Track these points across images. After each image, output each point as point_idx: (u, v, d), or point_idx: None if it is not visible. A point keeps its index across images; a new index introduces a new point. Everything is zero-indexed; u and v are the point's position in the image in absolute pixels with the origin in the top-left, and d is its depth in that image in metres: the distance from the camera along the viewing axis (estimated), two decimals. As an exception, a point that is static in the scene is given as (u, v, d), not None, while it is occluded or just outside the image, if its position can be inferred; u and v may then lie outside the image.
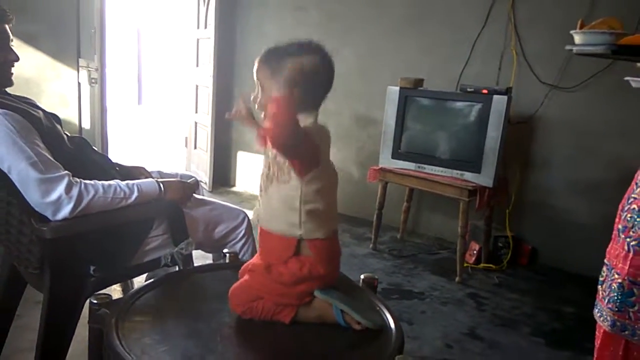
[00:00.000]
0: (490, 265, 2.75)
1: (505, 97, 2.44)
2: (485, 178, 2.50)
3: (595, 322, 1.19)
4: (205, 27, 3.82)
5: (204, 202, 1.64)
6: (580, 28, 1.25)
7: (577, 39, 1.24)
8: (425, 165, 2.69)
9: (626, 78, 1.27)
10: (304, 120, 0.96)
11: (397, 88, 2.75)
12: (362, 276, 1.23)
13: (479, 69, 2.91)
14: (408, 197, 3.08)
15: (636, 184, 1.17)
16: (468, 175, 2.55)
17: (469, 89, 2.57)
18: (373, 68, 3.32)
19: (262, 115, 1.01)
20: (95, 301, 1.02)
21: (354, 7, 3.34)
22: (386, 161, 2.83)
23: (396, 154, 2.79)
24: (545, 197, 2.82)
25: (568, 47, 1.34)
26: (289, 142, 0.90)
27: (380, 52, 3.29)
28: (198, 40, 4.03)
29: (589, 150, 2.67)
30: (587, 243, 2.54)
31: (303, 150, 0.94)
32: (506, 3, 2.78)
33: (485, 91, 2.51)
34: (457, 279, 2.55)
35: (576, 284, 2.60)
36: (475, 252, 2.79)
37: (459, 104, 2.62)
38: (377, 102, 3.12)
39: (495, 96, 2.45)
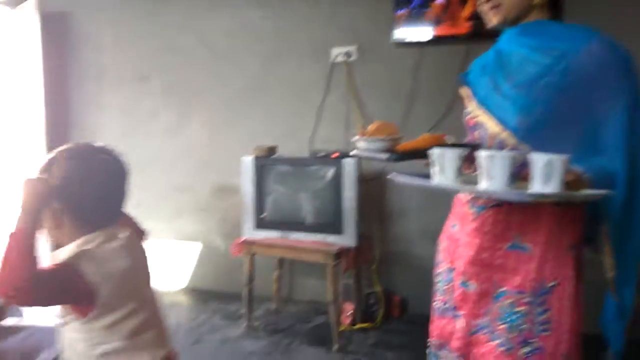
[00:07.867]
0: (366, 324, 2.74)
1: (353, 160, 2.53)
2: (347, 239, 2.53)
3: None
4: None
5: (14, 330, 1.32)
6: (362, 135, 1.32)
7: (359, 145, 1.32)
8: (290, 232, 2.64)
9: (389, 176, 1.35)
10: (91, 241, 0.80)
11: (251, 157, 2.70)
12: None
13: (327, 132, 3.02)
14: (278, 265, 2.97)
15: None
16: (331, 238, 2.55)
17: (319, 154, 2.61)
18: (224, 136, 3.24)
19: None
20: None
21: (197, 77, 3.28)
22: (250, 232, 2.71)
23: (259, 224, 2.69)
24: (406, 247, 2.94)
25: (352, 153, 1.42)
26: (25, 294, 0.72)
27: (229, 120, 3.24)
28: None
29: (436, 198, 2.87)
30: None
31: (60, 296, 0.77)
32: (344, 71, 2.96)
33: (335, 155, 2.57)
34: (334, 347, 2.47)
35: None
36: (350, 313, 2.76)
37: (314, 169, 2.65)
38: (233, 171, 3.02)
39: (345, 159, 2.53)
